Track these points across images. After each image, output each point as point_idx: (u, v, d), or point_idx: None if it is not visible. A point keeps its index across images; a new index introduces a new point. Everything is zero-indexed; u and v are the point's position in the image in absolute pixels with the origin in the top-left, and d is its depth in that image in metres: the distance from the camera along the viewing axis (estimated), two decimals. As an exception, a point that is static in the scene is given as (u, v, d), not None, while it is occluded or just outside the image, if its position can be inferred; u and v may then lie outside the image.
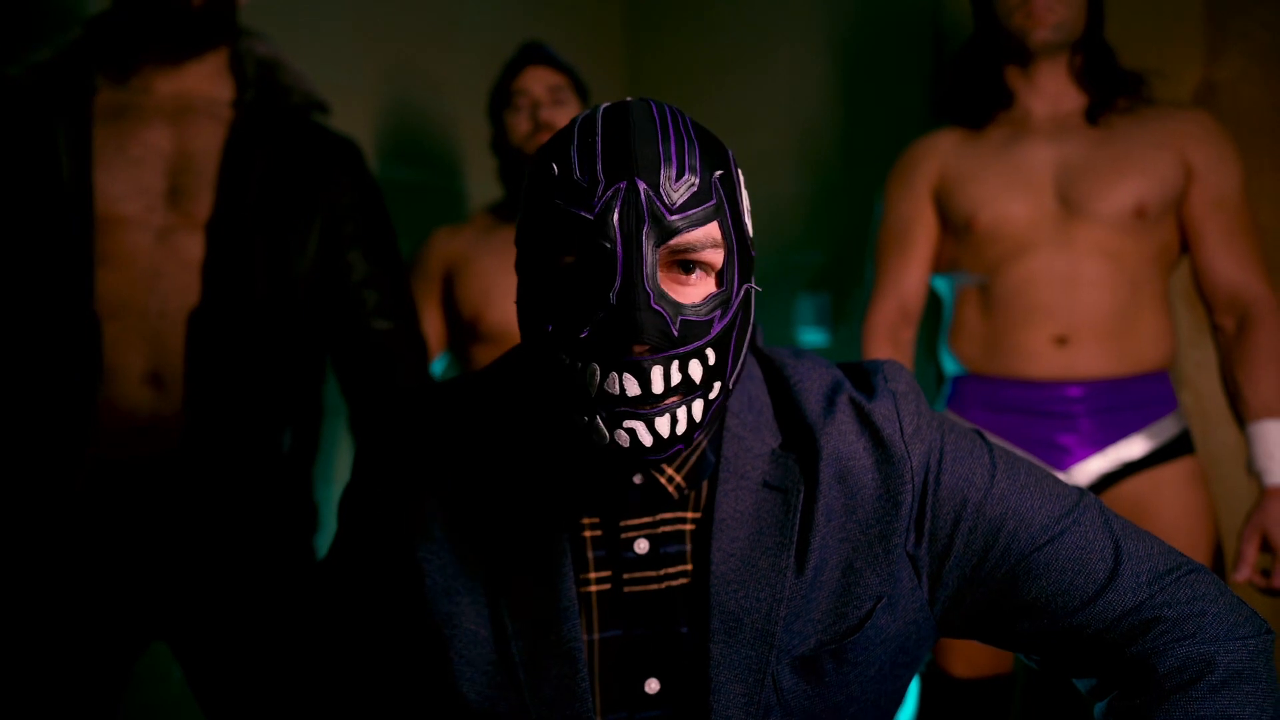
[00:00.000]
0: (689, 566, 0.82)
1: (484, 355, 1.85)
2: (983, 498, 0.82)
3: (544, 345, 0.74)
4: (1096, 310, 1.54)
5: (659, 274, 0.72)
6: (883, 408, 0.83)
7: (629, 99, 0.78)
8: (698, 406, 0.74)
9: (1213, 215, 1.55)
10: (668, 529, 0.82)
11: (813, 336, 2.30)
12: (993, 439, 1.07)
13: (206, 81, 1.44)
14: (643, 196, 0.71)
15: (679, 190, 0.72)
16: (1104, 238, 1.55)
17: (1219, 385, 1.58)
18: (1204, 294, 1.58)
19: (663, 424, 0.72)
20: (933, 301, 1.78)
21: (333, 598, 0.92)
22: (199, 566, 1.37)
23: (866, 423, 0.83)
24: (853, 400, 0.84)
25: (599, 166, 0.72)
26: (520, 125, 1.85)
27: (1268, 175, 1.79)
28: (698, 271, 0.74)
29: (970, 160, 1.65)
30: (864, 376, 0.87)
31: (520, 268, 0.79)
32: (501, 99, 1.89)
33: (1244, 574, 1.43)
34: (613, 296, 0.70)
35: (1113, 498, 1.54)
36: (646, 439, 0.72)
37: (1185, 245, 1.60)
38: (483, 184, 2.27)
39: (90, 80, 1.39)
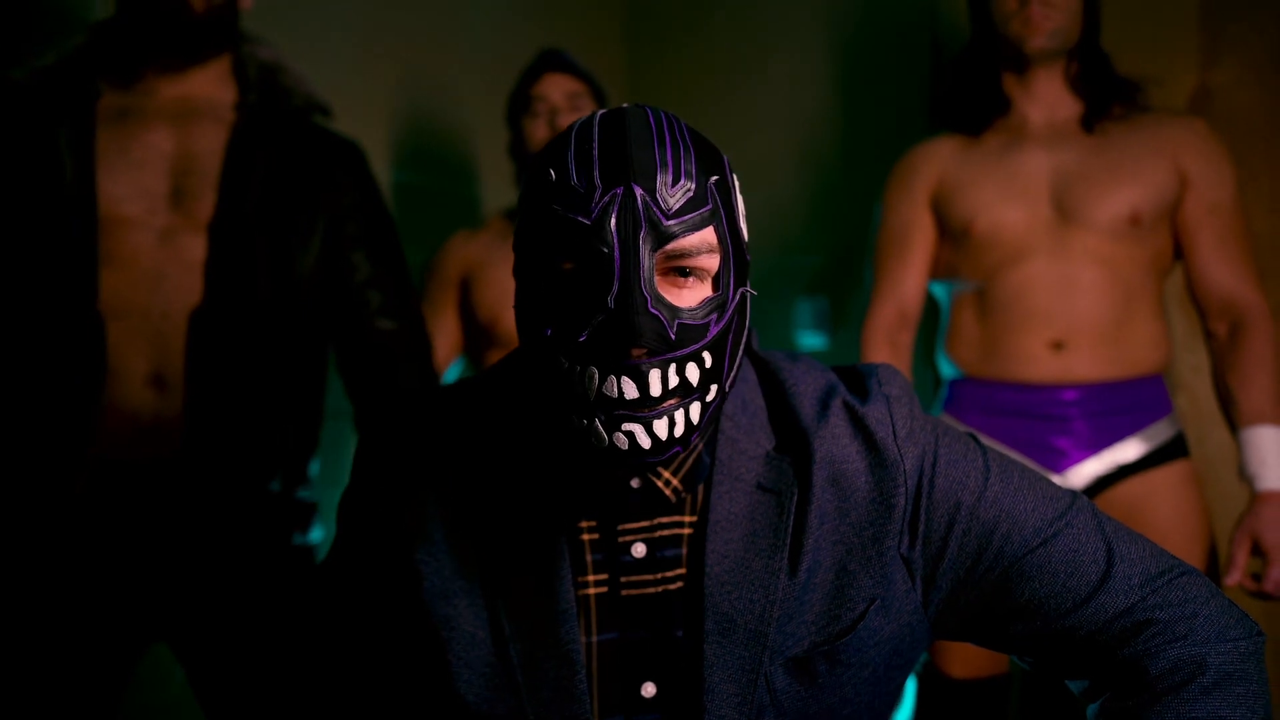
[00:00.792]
0: (683, 570, 0.82)
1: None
2: (976, 501, 0.83)
3: (542, 349, 0.75)
4: (1092, 315, 1.56)
5: (656, 278, 0.73)
6: (876, 411, 0.84)
7: (625, 106, 0.79)
8: (695, 409, 0.74)
9: (1207, 223, 1.57)
10: (665, 533, 0.82)
11: (811, 340, 2.31)
12: (988, 442, 1.08)
13: (209, 85, 1.45)
14: (639, 202, 0.72)
15: (675, 196, 0.73)
16: (1099, 244, 1.56)
17: (1213, 389, 1.59)
18: (1197, 300, 1.59)
19: (660, 426, 0.73)
20: (929, 306, 1.79)
21: (332, 599, 0.92)
22: (200, 568, 1.37)
23: (860, 426, 0.83)
24: (846, 404, 0.84)
25: (596, 172, 0.73)
26: (538, 131, 1.86)
27: (1262, 181, 1.80)
28: (694, 276, 0.75)
29: (968, 167, 1.66)
30: (858, 380, 0.87)
31: (518, 272, 0.79)
32: (520, 104, 1.90)
33: (1235, 578, 1.44)
34: (610, 301, 0.71)
35: (1108, 500, 1.55)
36: (645, 441, 0.73)
37: (1179, 251, 1.61)
38: (496, 188, 2.28)
39: (94, 84, 1.40)
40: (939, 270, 1.72)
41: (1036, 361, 1.57)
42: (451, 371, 1.94)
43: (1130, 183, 1.56)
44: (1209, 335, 1.59)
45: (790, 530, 0.81)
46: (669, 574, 0.82)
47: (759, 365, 0.89)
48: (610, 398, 0.72)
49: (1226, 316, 1.56)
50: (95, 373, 1.32)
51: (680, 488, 0.82)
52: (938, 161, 1.70)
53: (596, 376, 0.72)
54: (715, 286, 0.76)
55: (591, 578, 0.82)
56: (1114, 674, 0.81)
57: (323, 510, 1.54)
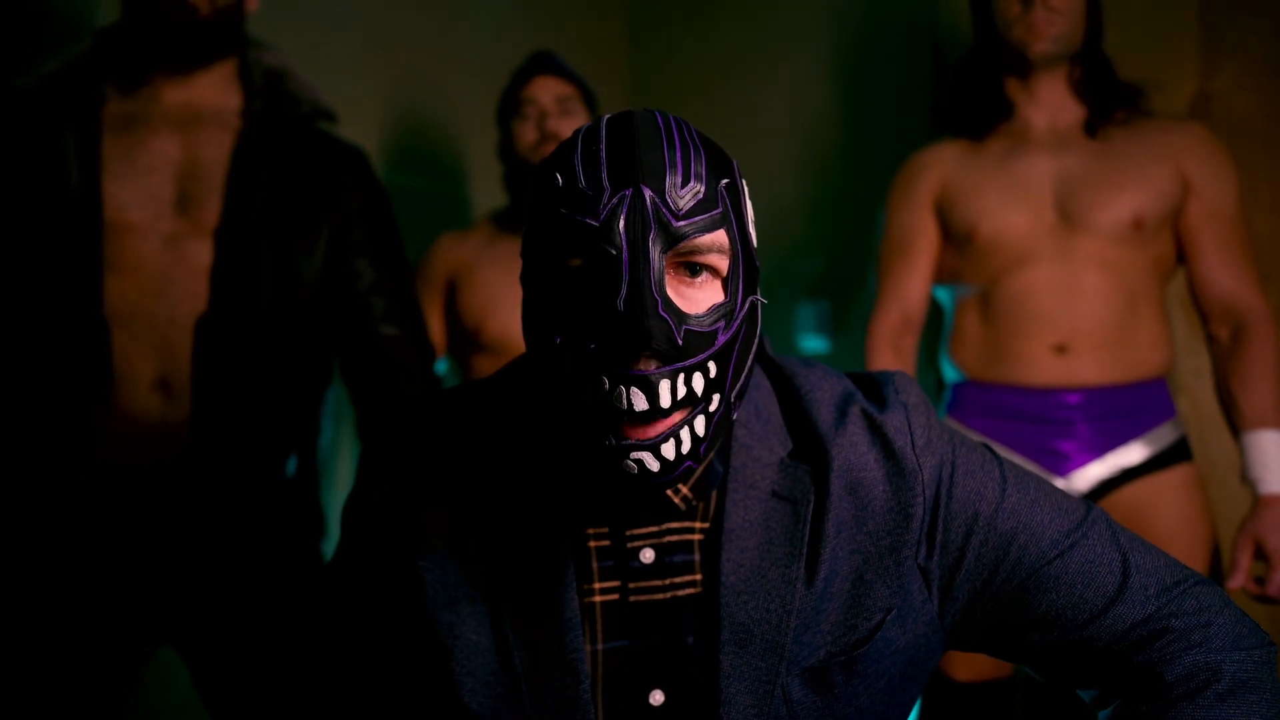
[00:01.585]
0: (697, 576, 0.82)
1: (484, 365, 1.85)
2: (994, 511, 0.82)
3: (551, 357, 0.74)
4: (1095, 319, 1.56)
5: (666, 280, 0.72)
6: (894, 420, 0.83)
7: (632, 109, 0.77)
8: (699, 422, 0.73)
9: (1209, 227, 1.57)
10: (674, 538, 0.82)
11: (813, 343, 2.32)
12: (998, 450, 1.09)
13: (215, 91, 1.45)
14: (648, 203, 0.71)
15: (685, 197, 0.72)
16: (1102, 249, 1.57)
17: (1214, 393, 1.60)
18: (1199, 305, 1.60)
19: (668, 449, 0.72)
20: (932, 310, 1.79)
21: (336, 605, 0.92)
22: (206, 571, 1.37)
23: (878, 434, 0.83)
24: (864, 411, 0.84)
25: (604, 174, 0.72)
26: (527, 134, 1.85)
27: (1262, 185, 1.81)
28: (704, 274, 0.74)
29: (971, 172, 1.66)
30: (875, 387, 0.86)
31: (526, 279, 0.78)
32: (509, 107, 1.89)
33: (1238, 581, 1.45)
34: (620, 303, 0.70)
35: (1111, 504, 1.55)
36: (653, 465, 0.72)
37: (1182, 256, 1.62)
38: (487, 191, 2.27)
39: (99, 90, 1.39)
40: (942, 275, 1.72)
41: (1040, 365, 1.58)
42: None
43: (1133, 187, 1.57)
44: (1211, 339, 1.60)
45: (807, 539, 0.80)
46: (678, 580, 0.81)
47: (772, 370, 0.88)
48: (619, 409, 0.71)
49: (1228, 321, 1.57)
50: (100, 378, 1.32)
51: (690, 496, 0.81)
52: (941, 166, 1.70)
53: (606, 386, 0.71)
54: (725, 291, 0.74)
55: (599, 585, 0.82)
56: (1128, 680, 0.81)
57: (328, 513, 1.54)
